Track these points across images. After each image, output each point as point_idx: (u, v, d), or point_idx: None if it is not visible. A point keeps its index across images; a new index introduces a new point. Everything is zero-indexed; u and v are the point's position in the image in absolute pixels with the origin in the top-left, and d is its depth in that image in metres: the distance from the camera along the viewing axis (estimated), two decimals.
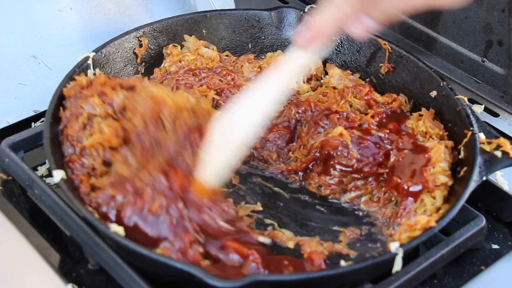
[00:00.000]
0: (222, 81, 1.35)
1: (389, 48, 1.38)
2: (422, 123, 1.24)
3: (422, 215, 1.07)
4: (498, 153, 1.11)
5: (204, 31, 1.45)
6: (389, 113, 1.30)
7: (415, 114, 1.29)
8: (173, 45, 1.41)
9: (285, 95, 1.06)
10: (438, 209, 1.08)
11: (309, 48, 1.03)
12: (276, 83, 1.06)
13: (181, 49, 1.41)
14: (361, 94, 1.34)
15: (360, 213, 1.18)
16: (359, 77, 1.42)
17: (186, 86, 1.32)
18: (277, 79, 1.06)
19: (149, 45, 1.39)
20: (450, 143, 1.18)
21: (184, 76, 1.34)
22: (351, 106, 1.32)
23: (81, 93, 1.16)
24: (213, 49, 1.43)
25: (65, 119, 1.13)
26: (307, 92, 1.40)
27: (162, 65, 1.39)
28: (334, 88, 1.38)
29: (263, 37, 1.48)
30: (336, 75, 1.41)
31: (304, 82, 1.41)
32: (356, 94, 1.34)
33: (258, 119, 1.05)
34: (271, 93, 1.05)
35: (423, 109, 1.29)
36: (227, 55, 1.45)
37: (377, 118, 1.28)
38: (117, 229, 0.98)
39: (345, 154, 1.21)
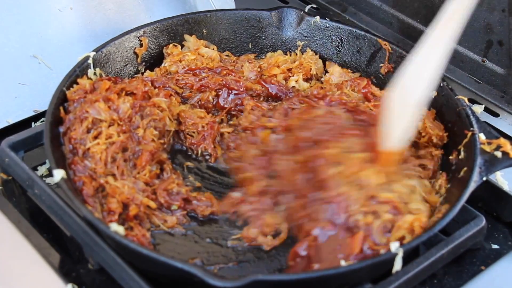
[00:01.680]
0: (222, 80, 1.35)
1: (389, 48, 1.39)
2: (422, 123, 1.24)
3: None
4: (498, 154, 1.11)
5: (204, 31, 1.45)
6: None
7: None
8: (174, 45, 1.41)
9: (451, 48, 1.07)
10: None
11: None
12: (441, 38, 1.06)
13: (181, 48, 1.41)
14: (359, 87, 1.34)
15: None
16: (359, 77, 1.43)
17: (186, 86, 1.32)
18: (442, 34, 1.06)
19: (150, 45, 1.39)
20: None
21: (184, 76, 1.34)
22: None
23: (85, 97, 1.16)
24: (213, 49, 1.43)
25: (68, 122, 1.14)
26: (307, 90, 1.40)
27: (162, 64, 1.39)
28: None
29: (263, 37, 1.48)
30: (336, 72, 1.41)
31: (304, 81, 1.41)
32: (354, 87, 1.34)
33: (430, 77, 1.07)
34: (440, 48, 1.06)
35: (424, 109, 1.29)
36: (227, 55, 1.45)
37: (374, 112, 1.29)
38: (117, 229, 0.98)
39: None
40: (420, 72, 1.07)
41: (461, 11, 1.06)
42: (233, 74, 1.37)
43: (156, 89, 1.26)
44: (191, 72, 1.36)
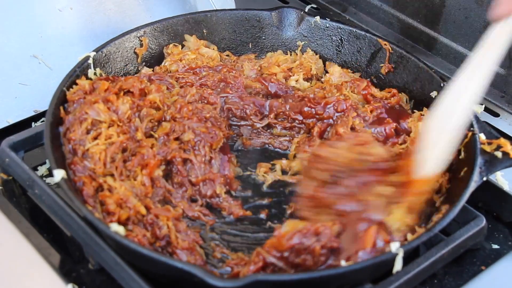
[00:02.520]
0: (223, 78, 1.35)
1: (390, 48, 1.39)
2: (422, 124, 1.24)
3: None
4: (499, 154, 1.12)
5: (204, 31, 1.45)
6: (388, 108, 1.30)
7: (416, 113, 1.29)
8: (174, 45, 1.41)
9: (490, 75, 1.05)
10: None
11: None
12: (482, 64, 1.05)
13: (181, 48, 1.41)
14: (359, 89, 1.34)
15: None
16: (360, 77, 1.42)
17: (186, 85, 1.32)
18: (482, 60, 1.05)
19: (150, 45, 1.39)
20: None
21: (184, 75, 1.34)
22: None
23: (84, 98, 1.16)
24: (213, 49, 1.43)
25: (67, 123, 1.14)
26: (308, 89, 1.40)
27: (162, 63, 1.39)
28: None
29: (263, 37, 1.48)
30: (336, 72, 1.41)
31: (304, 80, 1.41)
32: (354, 88, 1.34)
33: (468, 104, 1.05)
34: (478, 76, 1.05)
35: (425, 109, 1.29)
36: (227, 55, 1.45)
37: (375, 113, 1.29)
38: (117, 229, 0.98)
39: None
40: (459, 98, 1.05)
41: (504, 37, 1.04)
42: (234, 72, 1.37)
43: (153, 85, 1.26)
44: (191, 71, 1.36)
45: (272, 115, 1.32)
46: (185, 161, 1.18)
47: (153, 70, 1.38)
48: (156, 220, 1.07)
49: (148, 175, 1.13)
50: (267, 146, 1.32)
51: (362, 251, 0.99)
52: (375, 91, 1.35)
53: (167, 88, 1.28)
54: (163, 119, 1.22)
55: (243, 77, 1.36)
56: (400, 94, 1.35)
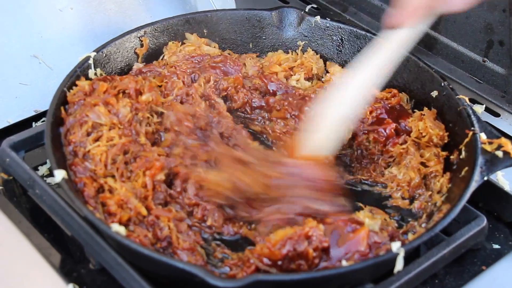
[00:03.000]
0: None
1: None
2: (423, 123, 1.24)
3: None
4: (499, 153, 1.11)
5: (205, 31, 1.45)
6: (388, 108, 1.30)
7: (417, 113, 1.29)
8: (172, 43, 1.41)
9: (382, 77, 1.16)
10: None
11: (401, 27, 1.10)
12: (372, 67, 1.14)
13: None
14: None
15: None
16: None
17: (178, 73, 1.32)
18: (373, 63, 1.14)
19: (150, 45, 1.39)
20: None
21: (183, 63, 1.35)
22: None
23: (84, 100, 1.16)
24: (214, 47, 1.43)
25: (68, 124, 1.14)
26: (309, 89, 1.40)
27: (160, 58, 1.39)
28: None
29: (264, 37, 1.48)
30: (337, 72, 1.41)
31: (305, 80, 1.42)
32: None
33: (353, 98, 1.15)
34: (367, 78, 1.14)
35: (425, 109, 1.29)
36: (228, 53, 1.45)
37: (375, 114, 1.29)
38: (118, 229, 0.98)
39: None
40: (348, 91, 1.15)
41: (392, 44, 1.14)
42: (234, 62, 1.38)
43: (146, 83, 1.25)
44: (191, 59, 1.36)
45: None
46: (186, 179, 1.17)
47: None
48: (157, 221, 1.07)
49: (151, 176, 1.12)
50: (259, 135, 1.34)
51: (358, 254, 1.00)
52: (375, 91, 1.35)
53: (159, 85, 1.29)
54: (164, 128, 1.23)
55: (244, 73, 1.37)
56: (400, 94, 1.35)
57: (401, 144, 1.25)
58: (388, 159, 1.26)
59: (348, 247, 1.01)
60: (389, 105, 1.31)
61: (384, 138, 1.26)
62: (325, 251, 1.00)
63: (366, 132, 1.28)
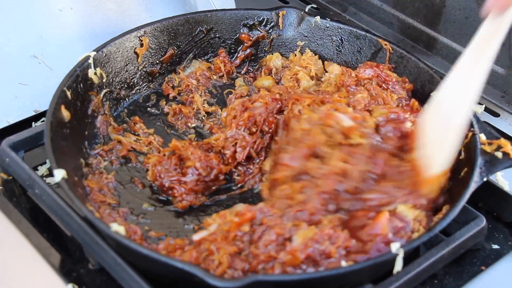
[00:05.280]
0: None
1: (390, 48, 1.39)
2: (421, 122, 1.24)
3: None
4: (499, 154, 1.11)
5: (204, 31, 1.45)
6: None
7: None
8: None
9: (488, 69, 1.05)
10: None
11: (504, 11, 1.01)
12: (480, 58, 1.05)
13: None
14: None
15: None
16: None
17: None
18: (480, 55, 1.05)
19: (150, 45, 1.39)
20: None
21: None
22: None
23: None
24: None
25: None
26: (311, 88, 1.40)
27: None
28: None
29: None
30: (335, 71, 1.41)
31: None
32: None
33: (470, 100, 1.05)
34: (478, 70, 1.04)
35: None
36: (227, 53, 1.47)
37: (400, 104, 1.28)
38: (118, 229, 0.98)
39: None
40: (461, 97, 1.05)
41: (499, 32, 1.04)
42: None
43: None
44: None
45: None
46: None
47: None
48: None
49: None
50: None
51: (379, 237, 0.99)
52: (389, 73, 1.35)
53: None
54: None
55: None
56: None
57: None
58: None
59: (369, 234, 1.00)
60: (405, 89, 1.32)
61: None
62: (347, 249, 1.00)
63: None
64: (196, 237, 1.01)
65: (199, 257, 0.99)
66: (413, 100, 1.28)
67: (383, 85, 1.32)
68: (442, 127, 1.07)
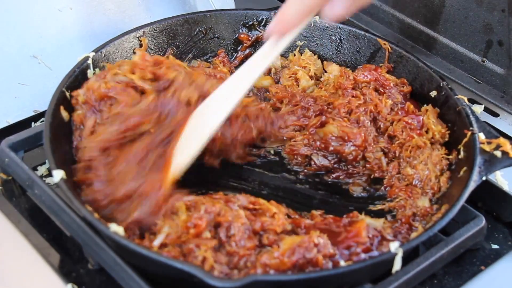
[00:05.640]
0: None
1: (389, 48, 1.39)
2: (426, 118, 1.24)
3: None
4: (498, 153, 1.11)
5: (204, 31, 1.45)
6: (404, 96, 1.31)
7: (423, 108, 1.29)
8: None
9: (250, 87, 1.14)
10: None
11: (280, 38, 1.08)
12: (248, 75, 1.13)
13: None
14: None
15: None
16: None
17: None
18: (245, 74, 1.13)
19: (149, 45, 1.39)
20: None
21: None
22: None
23: None
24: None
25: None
26: (311, 87, 1.40)
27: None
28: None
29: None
30: (334, 71, 1.41)
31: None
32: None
33: (226, 112, 1.12)
34: (240, 87, 1.12)
35: (430, 106, 1.28)
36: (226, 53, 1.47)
37: (399, 105, 1.29)
38: (117, 229, 0.98)
39: None
40: (221, 102, 1.12)
41: (271, 55, 1.11)
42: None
43: None
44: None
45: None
46: None
47: None
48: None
49: None
50: None
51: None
52: (387, 76, 1.35)
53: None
54: None
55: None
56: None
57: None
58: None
59: (347, 241, 1.01)
60: (402, 93, 1.32)
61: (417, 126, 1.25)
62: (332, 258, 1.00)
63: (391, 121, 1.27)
64: (156, 242, 1.01)
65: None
66: (407, 103, 1.28)
67: (380, 89, 1.32)
68: (199, 125, 1.11)
